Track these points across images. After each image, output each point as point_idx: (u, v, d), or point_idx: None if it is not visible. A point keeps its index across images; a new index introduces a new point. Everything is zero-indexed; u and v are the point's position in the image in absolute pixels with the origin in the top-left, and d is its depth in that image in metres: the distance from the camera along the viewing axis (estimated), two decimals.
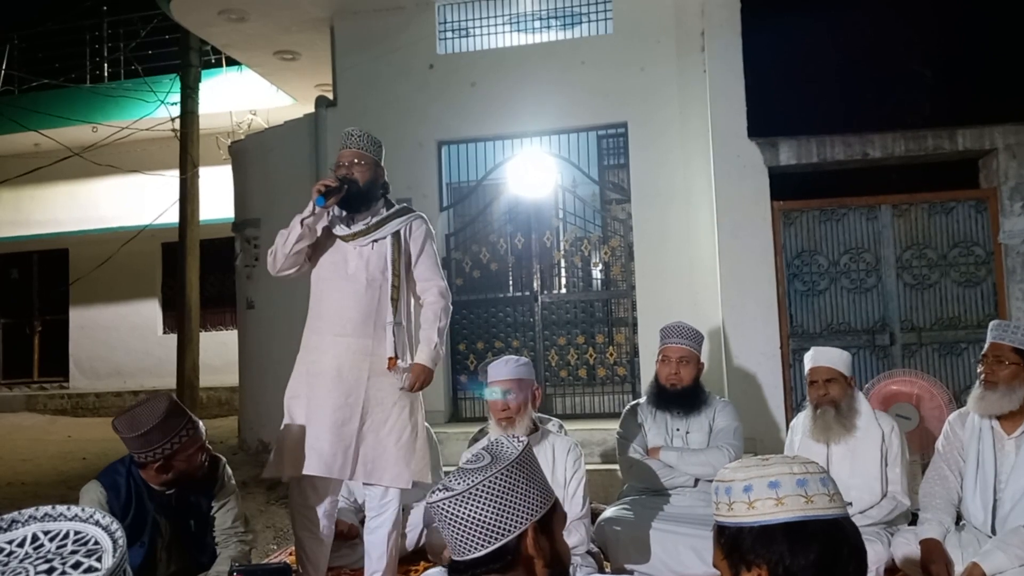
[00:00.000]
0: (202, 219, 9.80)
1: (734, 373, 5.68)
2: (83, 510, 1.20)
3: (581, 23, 6.74)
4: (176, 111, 9.94)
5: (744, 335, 5.68)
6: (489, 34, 6.81)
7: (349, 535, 3.76)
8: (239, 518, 3.07)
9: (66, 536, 1.14)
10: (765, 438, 5.52)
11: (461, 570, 1.48)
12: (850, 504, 3.27)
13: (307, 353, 3.29)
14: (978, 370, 3.25)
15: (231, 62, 10.04)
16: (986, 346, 3.21)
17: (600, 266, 6.95)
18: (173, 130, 9.92)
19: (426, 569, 3.65)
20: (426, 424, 4.35)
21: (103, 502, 2.80)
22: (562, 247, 6.72)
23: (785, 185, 5.79)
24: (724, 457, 3.67)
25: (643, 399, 4.07)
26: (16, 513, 1.19)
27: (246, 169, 7.33)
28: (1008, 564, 2.81)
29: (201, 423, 2.93)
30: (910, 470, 3.58)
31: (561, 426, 3.89)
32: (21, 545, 1.13)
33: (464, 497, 1.47)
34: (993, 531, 3.08)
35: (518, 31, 6.84)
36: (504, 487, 1.48)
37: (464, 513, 1.47)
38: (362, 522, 3.56)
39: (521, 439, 1.61)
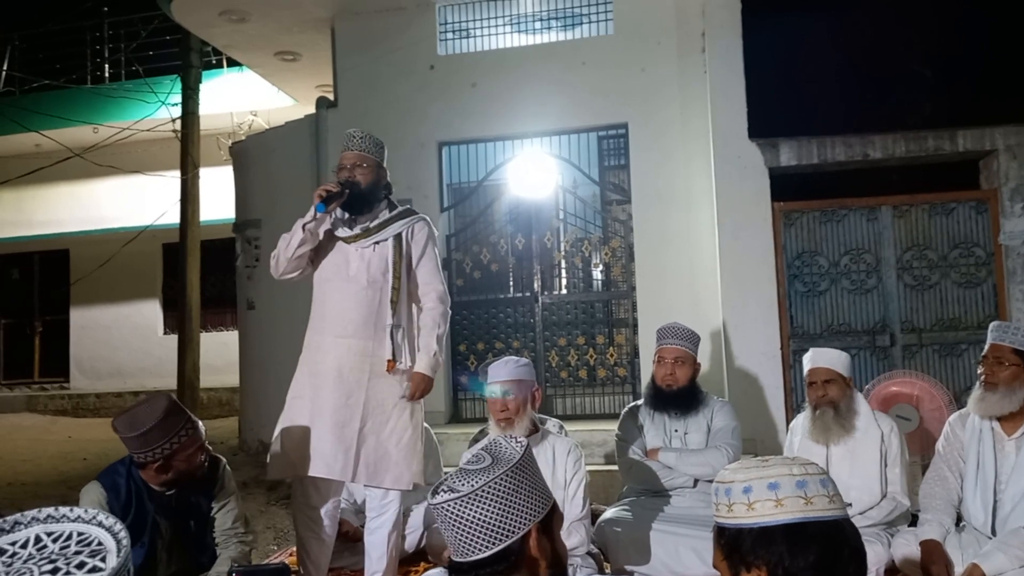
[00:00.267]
0: (203, 220, 9.81)
1: (734, 374, 5.68)
2: (86, 511, 1.20)
3: (582, 24, 6.75)
4: (177, 112, 9.95)
5: (745, 336, 5.69)
6: (490, 35, 6.82)
7: (353, 537, 3.76)
8: (239, 519, 3.07)
9: (69, 537, 1.14)
10: (765, 439, 5.53)
11: (463, 571, 1.48)
12: (849, 505, 3.29)
13: (309, 354, 3.30)
14: (978, 371, 3.25)
15: (232, 63, 10.05)
16: (986, 347, 3.21)
17: (600, 267, 6.96)
18: (174, 131, 9.93)
19: (426, 570, 3.65)
20: (426, 425, 4.37)
21: (103, 502, 2.80)
22: (563, 248, 6.72)
23: (786, 186, 5.79)
24: (723, 457, 3.67)
25: (641, 401, 4.07)
26: (19, 515, 1.19)
27: (247, 170, 7.34)
28: (1008, 565, 2.80)
29: (200, 423, 2.93)
30: (910, 471, 3.58)
31: (561, 427, 3.89)
32: (24, 546, 1.13)
33: (469, 499, 1.47)
34: (993, 532, 3.08)
35: (519, 32, 6.85)
36: (508, 488, 1.49)
37: (469, 515, 1.46)
38: (362, 524, 3.56)
39: (520, 440, 1.61)
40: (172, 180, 10.11)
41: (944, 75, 5.55)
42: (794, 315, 5.75)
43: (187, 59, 9.72)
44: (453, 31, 6.89)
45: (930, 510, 3.22)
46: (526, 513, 1.49)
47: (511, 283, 6.86)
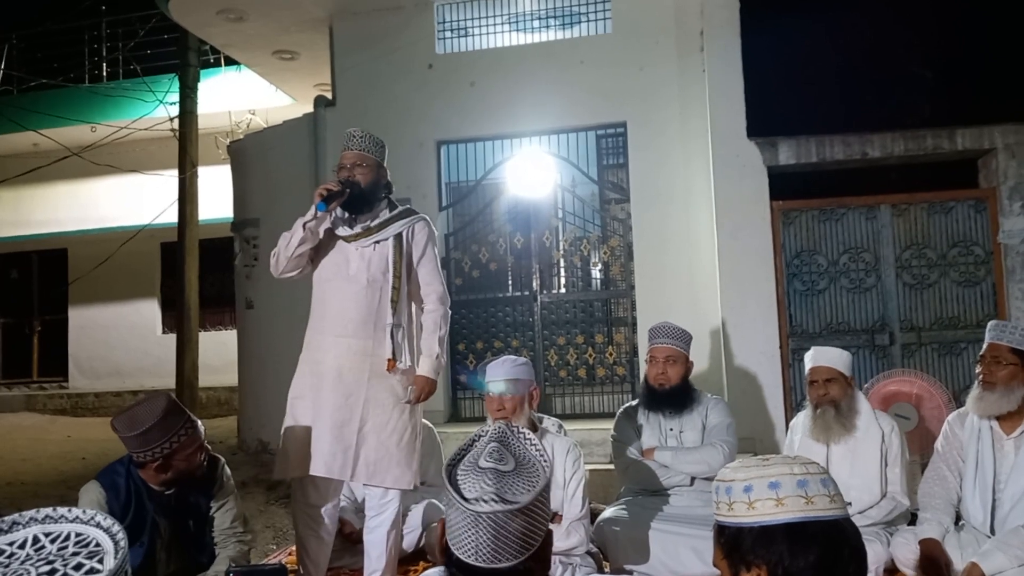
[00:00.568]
0: (201, 219, 9.79)
1: (734, 373, 5.68)
2: (84, 512, 1.20)
3: (580, 23, 6.75)
4: (175, 111, 9.94)
5: (744, 335, 5.69)
6: (488, 34, 6.82)
7: (354, 539, 3.75)
8: (238, 518, 3.07)
9: (67, 538, 1.14)
10: (764, 438, 5.53)
11: (479, 574, 1.44)
12: (849, 504, 3.28)
13: (309, 353, 3.30)
14: (976, 371, 3.25)
15: (230, 62, 10.04)
16: (984, 347, 3.21)
17: (599, 266, 6.95)
18: (172, 130, 9.92)
19: (425, 569, 3.65)
20: (430, 424, 4.37)
21: (102, 502, 2.79)
22: (561, 247, 6.72)
23: (784, 185, 5.79)
24: (718, 454, 3.68)
25: (636, 401, 4.08)
26: (17, 515, 1.19)
27: (245, 169, 7.33)
28: (1007, 564, 2.81)
29: (200, 422, 2.93)
30: (910, 470, 3.58)
31: (560, 426, 3.89)
32: (22, 547, 1.13)
33: (521, 511, 1.43)
34: (992, 531, 3.08)
35: (517, 31, 6.84)
36: (545, 499, 1.49)
37: (512, 526, 1.43)
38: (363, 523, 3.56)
39: (532, 440, 1.58)
40: (170, 179, 10.10)
41: (943, 75, 5.55)
42: (793, 314, 5.75)
43: (185, 58, 9.71)
44: (451, 30, 6.88)
45: (929, 509, 3.22)
46: (546, 519, 1.49)
47: (510, 282, 6.86)
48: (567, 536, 3.22)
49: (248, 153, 7.37)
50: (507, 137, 6.68)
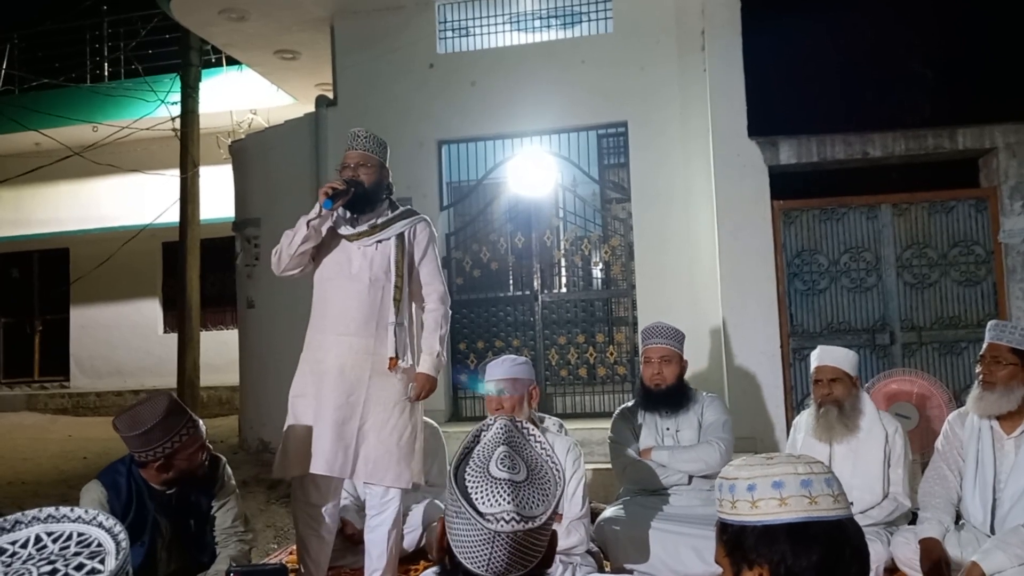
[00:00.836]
0: (202, 218, 9.80)
1: (734, 372, 5.68)
2: (86, 511, 1.20)
3: (581, 22, 6.75)
4: (176, 110, 9.95)
5: (744, 334, 5.69)
6: (489, 33, 6.82)
7: (355, 540, 3.76)
8: (239, 517, 3.08)
9: (69, 538, 1.14)
10: (764, 437, 5.53)
11: None
12: (851, 504, 3.28)
13: (311, 352, 3.31)
14: (976, 370, 3.25)
15: (231, 61, 10.04)
16: (984, 347, 3.21)
17: (600, 265, 6.96)
18: (173, 129, 9.93)
19: (426, 568, 3.66)
20: (434, 424, 4.38)
21: (104, 501, 2.80)
22: (562, 246, 6.72)
23: (785, 184, 5.80)
24: (715, 451, 3.68)
25: (631, 402, 4.08)
26: (19, 514, 1.19)
27: (246, 168, 7.34)
28: (1008, 563, 2.81)
29: (201, 422, 2.93)
30: (911, 470, 3.58)
31: (561, 425, 3.89)
32: (24, 546, 1.13)
33: (540, 529, 1.41)
34: (992, 531, 3.08)
35: (518, 30, 6.85)
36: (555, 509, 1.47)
37: (530, 542, 1.40)
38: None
39: (542, 442, 1.53)
40: (172, 179, 10.11)
41: (944, 74, 5.54)
42: (794, 314, 5.75)
43: (186, 58, 9.71)
44: (452, 29, 6.88)
45: (929, 508, 3.22)
46: (551, 523, 1.46)
47: (511, 281, 6.87)
48: (567, 535, 3.23)
49: (249, 153, 7.37)
50: (508, 137, 6.68)
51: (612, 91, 6.31)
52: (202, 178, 9.77)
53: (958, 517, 3.26)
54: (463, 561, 1.41)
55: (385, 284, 3.27)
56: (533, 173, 6.68)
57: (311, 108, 7.15)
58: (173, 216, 9.87)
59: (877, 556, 3.16)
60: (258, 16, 7.02)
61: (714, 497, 3.71)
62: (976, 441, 3.19)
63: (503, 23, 6.82)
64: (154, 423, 2.74)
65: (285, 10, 6.94)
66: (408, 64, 6.68)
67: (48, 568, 1.07)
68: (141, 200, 11.35)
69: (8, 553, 1.11)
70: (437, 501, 4.09)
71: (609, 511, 3.72)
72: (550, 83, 6.37)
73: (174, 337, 10.08)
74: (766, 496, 1.30)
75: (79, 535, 1.15)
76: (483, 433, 1.51)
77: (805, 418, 3.69)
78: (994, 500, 3.12)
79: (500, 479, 1.41)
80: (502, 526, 1.37)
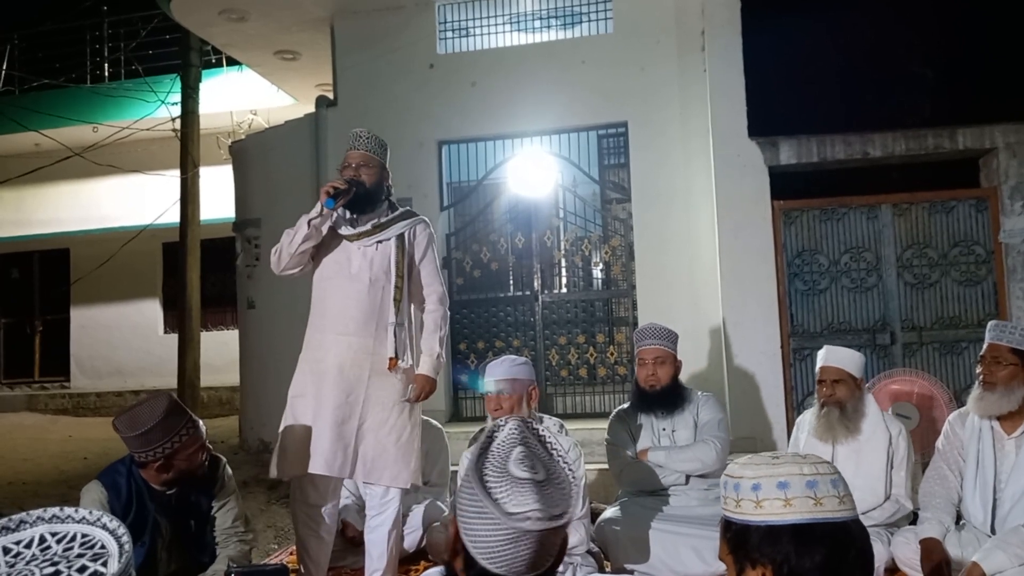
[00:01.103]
0: (203, 219, 9.80)
1: (734, 372, 5.68)
2: (91, 513, 1.20)
3: (581, 23, 6.75)
4: (177, 111, 9.95)
5: (744, 334, 5.69)
6: (489, 34, 6.82)
7: (355, 541, 3.76)
8: (239, 518, 3.08)
9: (73, 539, 1.14)
10: (764, 437, 5.54)
11: None
12: None
13: (310, 351, 3.31)
14: (977, 371, 3.25)
15: (231, 62, 10.05)
16: (984, 347, 3.21)
17: (601, 265, 6.96)
18: (174, 130, 9.93)
19: (426, 569, 3.66)
20: (438, 424, 4.38)
21: (104, 502, 2.80)
22: (563, 246, 6.73)
23: (786, 184, 5.80)
24: (711, 450, 3.68)
25: (627, 404, 4.07)
26: (24, 514, 1.19)
27: (246, 169, 7.34)
28: (1008, 564, 2.81)
29: (201, 422, 2.93)
30: (912, 471, 3.58)
31: (562, 426, 3.89)
32: (28, 546, 1.13)
33: (562, 527, 1.42)
34: (993, 531, 3.08)
35: (518, 31, 6.84)
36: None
37: (554, 539, 1.41)
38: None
39: (543, 435, 1.52)
40: (172, 179, 10.11)
41: (944, 74, 5.55)
42: (794, 314, 5.75)
43: (187, 58, 9.71)
44: (452, 30, 6.89)
45: (930, 508, 3.22)
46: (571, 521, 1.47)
47: (511, 282, 6.87)
48: (568, 535, 3.22)
49: (249, 153, 7.37)
50: (508, 137, 6.68)
51: (612, 91, 6.31)
52: (202, 178, 9.77)
53: (959, 517, 3.25)
54: (483, 563, 1.39)
55: (385, 284, 3.27)
56: (533, 173, 6.68)
57: (311, 108, 7.15)
58: (173, 216, 9.87)
59: (878, 556, 3.16)
60: (258, 16, 7.02)
61: (716, 495, 3.71)
62: (977, 441, 3.19)
63: (503, 23, 6.83)
64: (154, 423, 2.74)
65: (285, 10, 6.94)
66: (408, 64, 6.68)
67: (51, 569, 1.07)
68: (141, 200, 11.36)
69: (12, 553, 1.11)
70: (438, 502, 4.09)
71: (609, 511, 3.72)
72: (550, 83, 6.37)
73: (174, 337, 10.08)
74: (771, 496, 1.30)
75: (83, 536, 1.15)
76: (496, 433, 1.51)
77: (808, 417, 3.68)
78: (994, 500, 3.12)
79: (523, 479, 1.41)
80: (530, 525, 1.37)
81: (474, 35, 6.85)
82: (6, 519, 1.18)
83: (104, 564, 1.08)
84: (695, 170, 6.07)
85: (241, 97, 10.70)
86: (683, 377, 4.04)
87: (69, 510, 1.20)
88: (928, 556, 3.06)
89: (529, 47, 6.71)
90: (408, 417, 3.28)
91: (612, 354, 6.46)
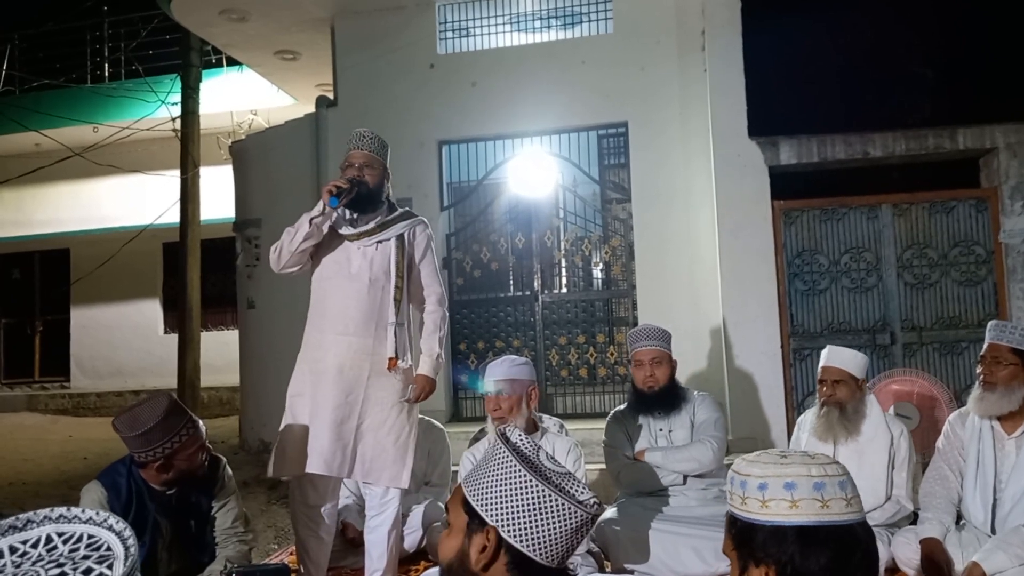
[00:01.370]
0: (203, 219, 9.80)
1: (734, 373, 5.68)
2: (97, 513, 1.20)
3: (581, 23, 6.75)
4: (177, 111, 9.94)
5: (745, 334, 5.69)
6: (489, 34, 6.82)
7: (356, 542, 3.76)
8: (239, 518, 3.07)
9: (79, 540, 1.14)
10: (764, 437, 5.53)
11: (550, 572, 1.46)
12: None
13: (309, 351, 3.30)
14: (977, 371, 3.25)
15: (232, 62, 10.05)
16: (984, 347, 3.21)
17: (601, 265, 6.96)
18: (174, 130, 9.92)
19: (427, 569, 3.66)
20: (439, 425, 4.38)
21: (104, 502, 2.79)
22: (563, 246, 6.73)
23: (786, 184, 5.80)
24: (707, 450, 3.68)
25: (624, 405, 4.07)
26: (32, 513, 1.19)
27: (247, 169, 7.34)
28: (1008, 564, 2.81)
29: (201, 422, 2.93)
30: (912, 471, 3.58)
31: (562, 426, 3.90)
32: (35, 546, 1.13)
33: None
34: (993, 531, 3.08)
35: (518, 31, 6.85)
36: None
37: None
38: None
39: (552, 463, 1.54)
40: (172, 179, 10.11)
41: (944, 74, 5.55)
42: (794, 314, 5.75)
43: (187, 58, 9.71)
44: (453, 30, 6.89)
45: (930, 509, 3.22)
46: None
47: (511, 282, 6.87)
48: None
49: (250, 153, 7.37)
50: (508, 137, 6.68)
51: (612, 91, 6.31)
52: (202, 178, 9.76)
53: (959, 517, 3.25)
54: (539, 559, 1.42)
55: (385, 284, 3.27)
56: (533, 173, 6.68)
57: (311, 108, 7.14)
58: (174, 217, 9.87)
59: (879, 557, 3.16)
60: (258, 16, 7.02)
61: (715, 495, 3.68)
62: (977, 441, 3.19)
63: (503, 23, 6.83)
64: (154, 423, 2.74)
65: (285, 10, 6.94)
66: (408, 64, 6.68)
67: (57, 571, 1.06)
68: (142, 200, 11.36)
69: (19, 552, 1.11)
70: (438, 502, 4.09)
71: (608, 512, 3.72)
72: (550, 83, 6.37)
73: (175, 338, 10.08)
74: (777, 496, 1.28)
75: (89, 537, 1.14)
76: (512, 439, 1.53)
77: (809, 418, 3.68)
78: (995, 500, 3.12)
79: (564, 472, 1.48)
80: (596, 509, 1.44)
81: (474, 35, 6.85)
82: (12, 518, 1.18)
83: (110, 566, 1.08)
84: (695, 170, 6.07)
85: (241, 97, 10.70)
86: (683, 377, 4.05)
87: (76, 510, 1.19)
88: (928, 556, 3.06)
89: (529, 47, 6.71)
90: (407, 418, 3.29)
91: (612, 354, 6.46)
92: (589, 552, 3.38)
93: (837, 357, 3.56)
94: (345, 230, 3.31)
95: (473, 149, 6.80)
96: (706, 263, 5.98)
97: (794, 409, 5.58)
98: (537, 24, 6.84)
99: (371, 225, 3.31)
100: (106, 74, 12.31)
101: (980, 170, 5.88)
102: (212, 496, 3.02)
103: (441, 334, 3.37)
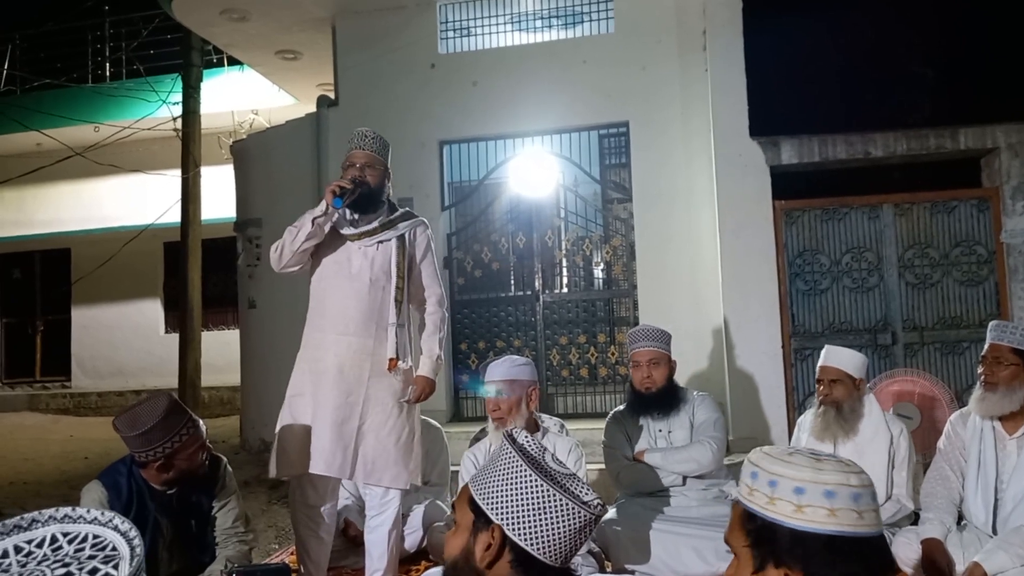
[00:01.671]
0: (204, 219, 9.81)
1: (735, 372, 5.68)
2: (103, 513, 1.20)
3: (582, 22, 6.75)
4: (178, 111, 9.95)
5: (746, 334, 5.68)
6: (490, 33, 6.82)
7: (356, 541, 3.76)
8: (240, 518, 3.07)
9: (84, 539, 1.14)
10: (765, 438, 5.53)
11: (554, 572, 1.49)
12: None
13: (309, 351, 3.30)
14: (978, 371, 3.25)
15: (233, 62, 10.05)
16: (985, 347, 3.21)
17: (602, 265, 6.96)
18: (175, 130, 9.93)
19: (427, 569, 3.66)
20: (437, 425, 4.38)
21: (104, 502, 2.79)
22: (564, 246, 6.72)
23: (787, 184, 5.79)
24: (707, 451, 3.68)
25: (623, 406, 4.07)
26: (37, 513, 1.19)
27: (248, 169, 7.34)
28: (1010, 564, 2.80)
29: (201, 422, 2.92)
30: (913, 471, 3.58)
31: (562, 426, 3.90)
32: (40, 546, 1.13)
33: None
34: (994, 531, 3.08)
35: (519, 30, 6.84)
36: None
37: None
38: None
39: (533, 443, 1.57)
40: (173, 179, 10.11)
41: (945, 74, 5.55)
42: (795, 314, 5.75)
43: (188, 58, 9.72)
44: (454, 30, 6.89)
45: (931, 509, 3.22)
46: None
47: (512, 282, 6.87)
48: None
49: (251, 153, 7.37)
50: (509, 137, 6.68)
51: (613, 91, 6.31)
52: (203, 178, 9.77)
53: (960, 518, 3.25)
54: (539, 555, 1.44)
55: (386, 284, 3.27)
56: (534, 173, 6.67)
57: (312, 108, 7.14)
58: (174, 216, 9.87)
59: None
60: (259, 16, 7.02)
61: (715, 495, 3.66)
62: (978, 442, 3.19)
63: (504, 23, 6.83)
64: (154, 423, 2.74)
65: (286, 10, 6.94)
66: (409, 64, 6.68)
67: (62, 571, 1.06)
68: (143, 200, 11.37)
69: (24, 552, 1.11)
70: (438, 502, 4.09)
71: (609, 512, 3.72)
72: (551, 83, 6.37)
73: (175, 337, 10.09)
74: (815, 504, 1.26)
75: (95, 537, 1.14)
76: (519, 441, 1.56)
77: (809, 418, 3.68)
78: (996, 501, 3.11)
79: (569, 473, 1.50)
80: (600, 510, 1.47)
81: (475, 35, 6.85)
82: (18, 518, 1.18)
83: (115, 566, 1.08)
84: (696, 170, 6.07)
85: (242, 97, 10.71)
86: (684, 377, 4.05)
87: (81, 510, 1.19)
88: (930, 557, 3.06)
89: (530, 47, 6.71)
90: (407, 418, 3.29)
91: (613, 354, 6.46)
92: (590, 552, 3.38)
93: (835, 356, 3.57)
94: (346, 230, 3.31)
95: (474, 149, 6.80)
96: (707, 263, 5.98)
97: (795, 409, 5.58)
98: (538, 24, 6.84)
99: (372, 225, 3.31)
100: (107, 74, 12.32)
101: (981, 170, 5.88)
102: (213, 496, 3.02)
103: (441, 335, 3.38)
